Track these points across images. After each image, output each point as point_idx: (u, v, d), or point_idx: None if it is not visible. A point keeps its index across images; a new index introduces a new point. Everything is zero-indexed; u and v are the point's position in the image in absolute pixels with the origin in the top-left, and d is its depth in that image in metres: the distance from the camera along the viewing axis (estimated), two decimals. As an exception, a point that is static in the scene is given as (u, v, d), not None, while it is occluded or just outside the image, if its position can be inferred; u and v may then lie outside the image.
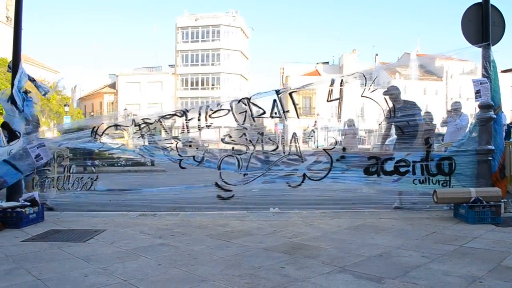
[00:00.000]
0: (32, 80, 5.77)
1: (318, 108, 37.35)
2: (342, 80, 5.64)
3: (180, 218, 5.33)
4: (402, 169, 5.47)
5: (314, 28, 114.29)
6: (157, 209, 5.78)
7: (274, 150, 5.73)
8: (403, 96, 5.99)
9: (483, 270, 2.92)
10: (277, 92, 5.66)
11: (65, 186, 6.10)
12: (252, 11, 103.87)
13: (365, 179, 5.57)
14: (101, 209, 5.84)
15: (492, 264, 3.06)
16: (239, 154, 5.69)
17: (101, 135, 5.90)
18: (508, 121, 10.84)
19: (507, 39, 6.10)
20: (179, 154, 5.77)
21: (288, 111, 5.71)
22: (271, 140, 5.80)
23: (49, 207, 5.83)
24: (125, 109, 42.58)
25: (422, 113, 6.22)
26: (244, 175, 5.67)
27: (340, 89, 5.62)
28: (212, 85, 50.44)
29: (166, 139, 5.96)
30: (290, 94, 5.74)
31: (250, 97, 5.70)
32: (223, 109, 5.74)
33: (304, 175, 5.57)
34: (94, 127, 5.97)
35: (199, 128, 5.78)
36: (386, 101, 5.78)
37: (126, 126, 6.08)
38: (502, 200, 4.95)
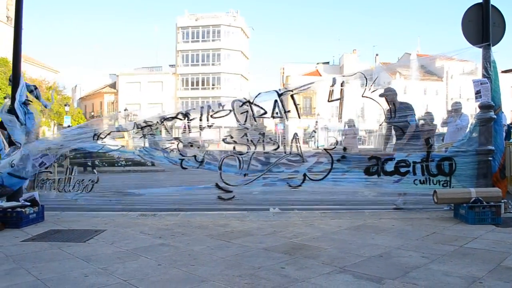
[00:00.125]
0: (32, 91, 5.77)
1: (319, 108, 37.38)
2: (343, 81, 5.65)
3: (180, 218, 5.34)
4: (402, 170, 5.47)
5: (314, 28, 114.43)
6: (157, 209, 5.78)
7: (275, 150, 5.74)
8: (403, 98, 6.00)
9: (483, 271, 2.92)
10: (279, 94, 5.68)
11: (66, 188, 6.09)
12: (252, 11, 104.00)
13: (365, 180, 5.57)
14: (101, 209, 5.84)
15: (492, 265, 3.06)
16: (240, 155, 5.69)
17: (104, 138, 5.91)
18: (508, 122, 10.85)
19: (507, 40, 6.11)
20: (180, 154, 5.77)
21: (289, 111, 5.73)
22: (272, 140, 5.81)
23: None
24: (126, 109, 42.56)
25: (422, 113, 6.22)
26: (245, 175, 5.67)
27: (341, 89, 5.62)
28: (213, 85, 50.43)
29: (167, 140, 5.97)
30: (292, 96, 5.76)
31: (253, 101, 5.70)
32: (224, 110, 5.76)
33: (305, 175, 5.58)
34: (96, 131, 5.98)
35: (201, 128, 5.80)
36: (387, 101, 5.78)
37: (128, 130, 6.09)
38: (502, 201, 4.96)
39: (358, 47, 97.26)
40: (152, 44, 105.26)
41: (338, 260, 3.27)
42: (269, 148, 5.76)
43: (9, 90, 5.62)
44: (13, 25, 5.73)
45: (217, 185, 5.67)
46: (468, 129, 5.90)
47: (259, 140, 5.69)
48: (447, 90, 44.95)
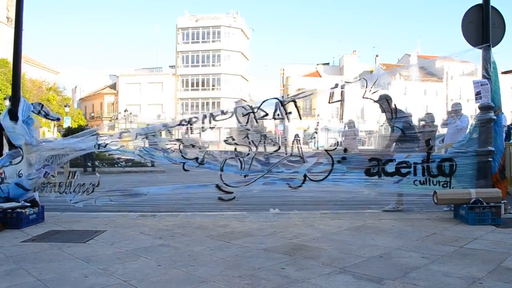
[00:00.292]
0: (39, 112, 5.79)
1: (319, 109, 37.41)
2: (344, 85, 5.67)
3: (180, 219, 5.34)
4: (403, 170, 5.47)
5: (315, 29, 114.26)
6: (157, 210, 5.78)
7: (276, 151, 5.75)
8: (401, 100, 5.99)
9: (483, 271, 2.92)
10: (281, 103, 5.72)
11: (67, 191, 6.07)
12: (252, 12, 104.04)
13: (365, 181, 5.57)
14: (101, 210, 5.84)
15: (492, 265, 3.06)
16: (241, 156, 5.70)
17: (105, 146, 5.92)
18: (508, 123, 10.83)
19: (507, 41, 6.11)
20: (182, 156, 5.78)
21: (290, 113, 5.74)
22: (273, 141, 5.82)
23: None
24: (126, 110, 42.62)
25: (421, 115, 6.22)
26: (245, 176, 5.68)
27: (342, 91, 5.63)
28: (213, 86, 50.46)
29: (168, 140, 5.98)
30: (294, 101, 5.82)
31: (256, 111, 5.75)
32: (227, 112, 5.82)
33: (305, 176, 5.58)
34: (97, 135, 5.99)
35: (203, 130, 5.83)
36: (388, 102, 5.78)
37: (130, 140, 6.09)
38: (502, 201, 4.96)
39: (358, 48, 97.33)
40: (152, 44, 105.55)
41: (338, 261, 3.27)
42: (270, 149, 5.77)
43: (9, 91, 5.63)
44: (13, 26, 5.74)
45: (217, 186, 5.67)
46: (468, 130, 5.89)
47: (260, 141, 5.70)
48: (447, 91, 44.97)
